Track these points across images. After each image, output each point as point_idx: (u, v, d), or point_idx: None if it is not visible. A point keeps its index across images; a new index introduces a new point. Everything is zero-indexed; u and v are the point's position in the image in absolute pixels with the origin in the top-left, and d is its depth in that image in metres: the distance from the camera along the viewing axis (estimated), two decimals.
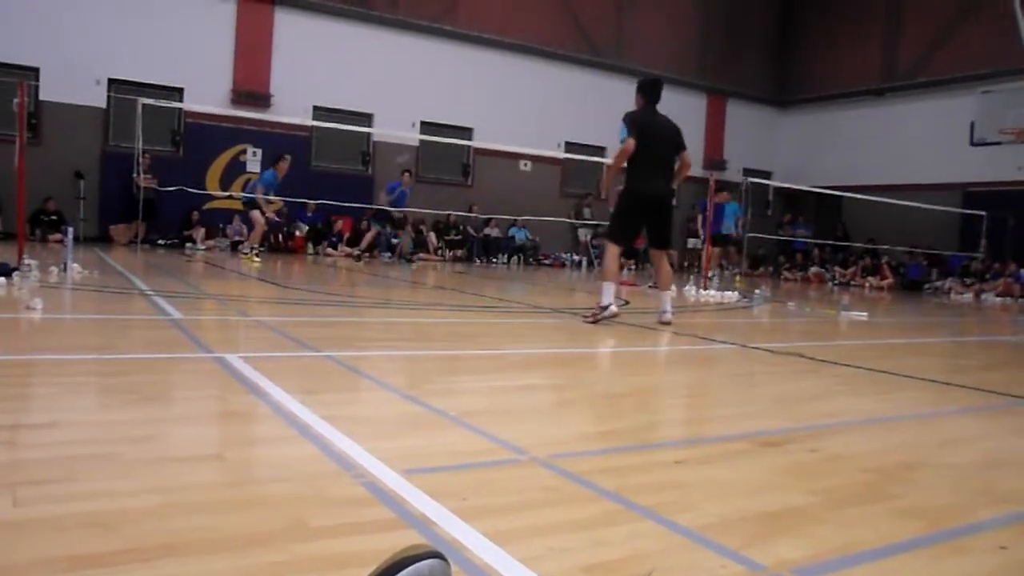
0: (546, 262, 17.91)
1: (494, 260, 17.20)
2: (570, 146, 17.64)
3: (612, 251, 5.98)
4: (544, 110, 17.76)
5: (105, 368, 3.16)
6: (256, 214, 11.73)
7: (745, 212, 14.10)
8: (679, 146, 5.90)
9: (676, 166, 6.01)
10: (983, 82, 17.42)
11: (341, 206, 14.16)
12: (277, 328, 4.61)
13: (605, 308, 5.64)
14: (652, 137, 5.70)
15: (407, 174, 14.34)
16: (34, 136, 12.69)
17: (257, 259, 11.27)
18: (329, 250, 14.88)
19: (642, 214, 5.91)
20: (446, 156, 17.21)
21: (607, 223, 5.99)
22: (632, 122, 5.74)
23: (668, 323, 5.81)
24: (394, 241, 14.99)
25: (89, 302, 5.40)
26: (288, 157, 11.59)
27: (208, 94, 14.26)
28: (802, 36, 21.78)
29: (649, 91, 5.87)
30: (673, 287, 6.22)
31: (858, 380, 4.02)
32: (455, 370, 3.78)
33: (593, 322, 5.65)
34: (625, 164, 5.78)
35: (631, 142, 5.59)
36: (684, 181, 6.18)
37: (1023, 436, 3.04)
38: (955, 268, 16.79)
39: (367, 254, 14.40)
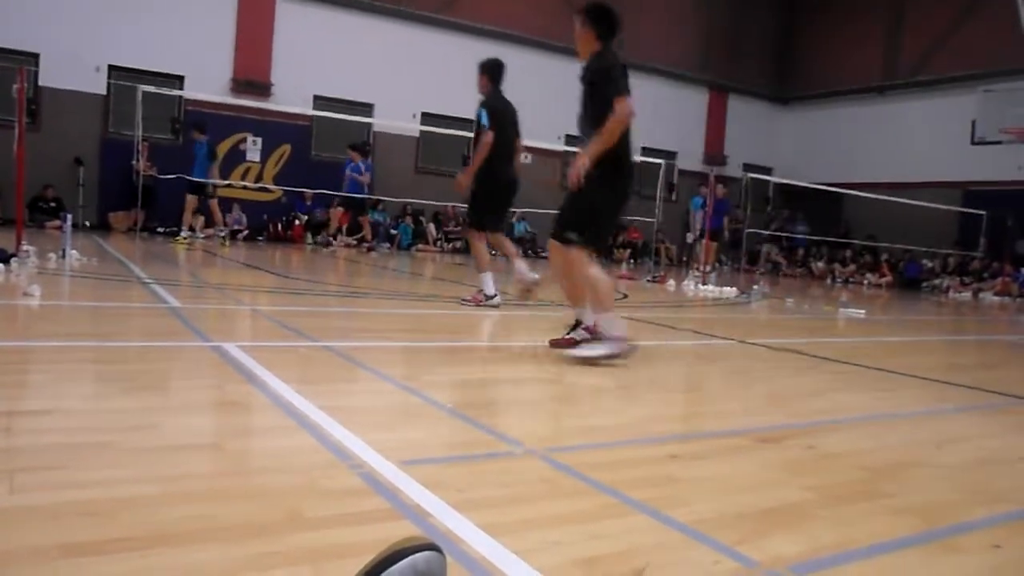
0: (544, 254, 17.90)
1: (493, 252, 17.14)
2: (570, 139, 17.59)
3: (481, 240, 5.99)
4: (544, 103, 17.66)
5: (102, 356, 3.16)
6: (212, 203, 12.13)
7: (746, 208, 14.10)
8: (518, 130, 5.97)
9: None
10: (984, 81, 17.40)
11: (341, 196, 14.10)
12: (275, 317, 4.60)
13: (490, 298, 5.78)
14: (506, 124, 5.79)
15: (355, 151, 13.41)
16: (33, 122, 12.62)
17: (185, 242, 11.25)
18: (331, 240, 14.84)
19: (505, 197, 5.97)
20: (446, 147, 17.18)
21: (469, 211, 6.01)
22: (493, 112, 5.75)
23: (535, 281, 5.71)
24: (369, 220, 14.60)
25: (87, 289, 5.39)
26: (200, 129, 11.76)
27: (208, 82, 14.22)
28: (804, 33, 21.74)
29: (496, 73, 5.88)
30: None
31: (855, 377, 4.02)
32: (453, 362, 3.78)
33: (475, 305, 5.79)
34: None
35: (490, 134, 5.65)
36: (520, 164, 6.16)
37: (1019, 435, 3.05)
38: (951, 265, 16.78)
39: (365, 244, 14.34)
